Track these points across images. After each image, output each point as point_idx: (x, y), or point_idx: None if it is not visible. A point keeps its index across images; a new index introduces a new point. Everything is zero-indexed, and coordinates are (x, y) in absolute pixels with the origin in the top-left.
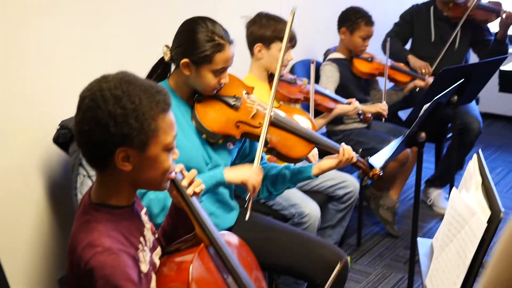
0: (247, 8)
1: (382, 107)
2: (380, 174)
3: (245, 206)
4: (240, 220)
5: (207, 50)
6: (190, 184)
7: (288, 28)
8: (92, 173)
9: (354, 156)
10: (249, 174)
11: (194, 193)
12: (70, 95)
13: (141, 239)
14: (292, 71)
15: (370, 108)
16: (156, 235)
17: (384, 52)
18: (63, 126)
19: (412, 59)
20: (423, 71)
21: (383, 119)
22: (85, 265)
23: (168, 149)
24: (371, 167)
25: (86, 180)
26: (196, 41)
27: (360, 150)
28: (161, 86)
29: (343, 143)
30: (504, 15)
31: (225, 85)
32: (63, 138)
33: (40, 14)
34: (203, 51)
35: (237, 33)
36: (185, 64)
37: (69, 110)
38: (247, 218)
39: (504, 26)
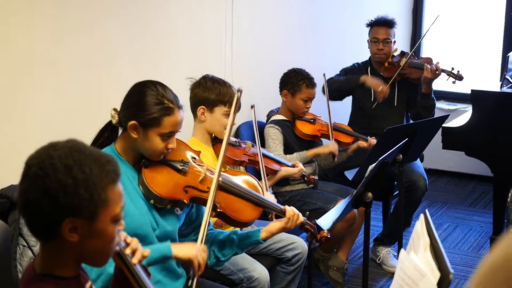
0: (192, 70)
1: (334, 146)
2: (328, 236)
3: (189, 284)
4: None
5: (156, 112)
6: (133, 253)
7: (232, 109)
8: (33, 243)
9: (300, 214)
10: (195, 252)
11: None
12: (9, 163)
13: None
14: (236, 133)
15: (321, 149)
16: None
17: (324, 92)
18: (1, 195)
19: (368, 78)
20: (379, 89)
21: (330, 176)
22: None
23: (116, 220)
24: (319, 229)
25: (26, 251)
26: (144, 104)
27: (307, 213)
28: (111, 156)
29: (286, 205)
30: (425, 69)
31: (172, 150)
32: (1, 207)
33: None
34: (152, 113)
35: (181, 96)
36: (132, 126)
37: (9, 178)
38: None
39: (425, 79)
